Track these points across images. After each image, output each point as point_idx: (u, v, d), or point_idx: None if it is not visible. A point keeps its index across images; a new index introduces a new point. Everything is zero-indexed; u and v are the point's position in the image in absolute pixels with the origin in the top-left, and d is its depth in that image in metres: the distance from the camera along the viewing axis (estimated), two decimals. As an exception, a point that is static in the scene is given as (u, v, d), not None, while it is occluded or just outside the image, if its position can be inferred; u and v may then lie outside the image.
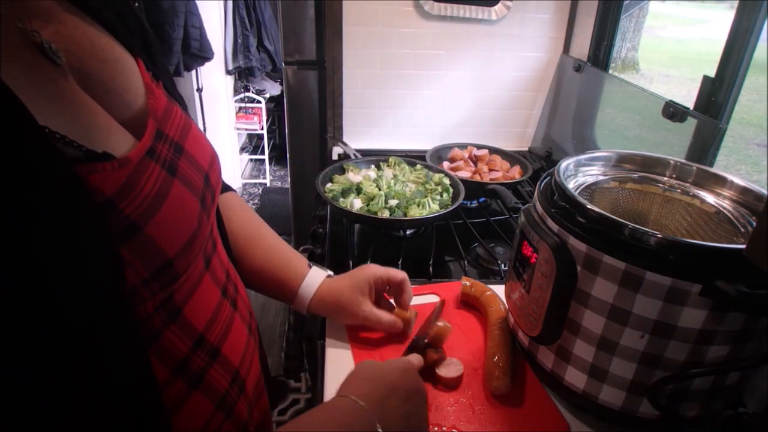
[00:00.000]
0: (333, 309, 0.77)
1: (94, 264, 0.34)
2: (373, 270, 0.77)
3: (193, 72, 2.82)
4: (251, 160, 4.15)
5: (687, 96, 1.09)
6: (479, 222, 1.23)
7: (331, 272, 0.78)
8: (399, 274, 0.79)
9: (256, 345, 0.61)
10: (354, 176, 1.22)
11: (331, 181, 1.23)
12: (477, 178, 1.39)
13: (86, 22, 0.44)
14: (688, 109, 1.01)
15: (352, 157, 1.43)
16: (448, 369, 0.72)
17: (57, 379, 0.32)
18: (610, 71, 1.45)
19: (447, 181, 1.23)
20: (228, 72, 3.41)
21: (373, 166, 1.31)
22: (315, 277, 0.76)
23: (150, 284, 0.40)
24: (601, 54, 1.45)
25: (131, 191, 0.38)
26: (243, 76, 3.59)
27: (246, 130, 3.76)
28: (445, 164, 1.45)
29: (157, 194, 0.41)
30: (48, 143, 0.33)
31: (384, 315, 0.77)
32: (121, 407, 0.37)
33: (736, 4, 0.93)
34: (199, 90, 2.95)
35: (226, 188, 0.75)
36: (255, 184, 3.93)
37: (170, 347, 0.44)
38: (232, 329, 0.53)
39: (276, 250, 0.76)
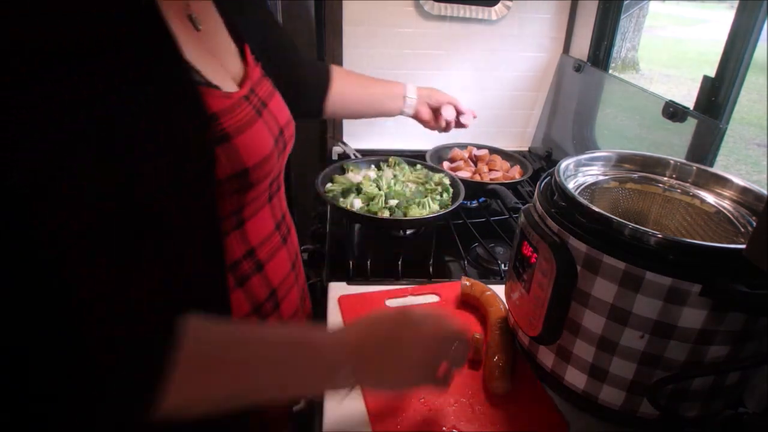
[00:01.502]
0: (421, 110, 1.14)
1: (196, 151, 0.48)
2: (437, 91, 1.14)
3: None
4: (251, 160, 4.14)
5: (687, 96, 1.09)
6: (479, 222, 1.23)
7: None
8: (447, 98, 1.15)
9: (296, 282, 0.75)
10: (354, 176, 1.22)
11: (331, 181, 1.23)
12: (477, 178, 1.39)
13: (214, 10, 0.65)
14: (688, 109, 1.01)
15: (352, 157, 1.43)
16: None
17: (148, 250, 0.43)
18: (610, 71, 1.45)
19: (447, 181, 1.23)
20: (228, 72, 3.40)
21: (373, 166, 1.31)
22: (410, 92, 1.11)
23: (231, 181, 0.55)
24: (601, 54, 1.45)
25: (228, 114, 0.55)
26: (243, 76, 3.58)
27: (246, 130, 3.75)
28: (445, 164, 1.45)
29: (245, 122, 0.58)
30: (185, 68, 0.50)
31: (432, 120, 1.16)
32: (198, 280, 0.50)
33: (736, 4, 0.93)
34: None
35: (329, 70, 1.04)
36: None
37: (230, 249, 0.59)
38: (277, 256, 0.68)
39: (382, 85, 1.11)
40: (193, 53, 0.54)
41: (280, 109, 0.70)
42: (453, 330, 0.57)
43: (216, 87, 0.55)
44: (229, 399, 0.47)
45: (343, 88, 1.06)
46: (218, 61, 0.61)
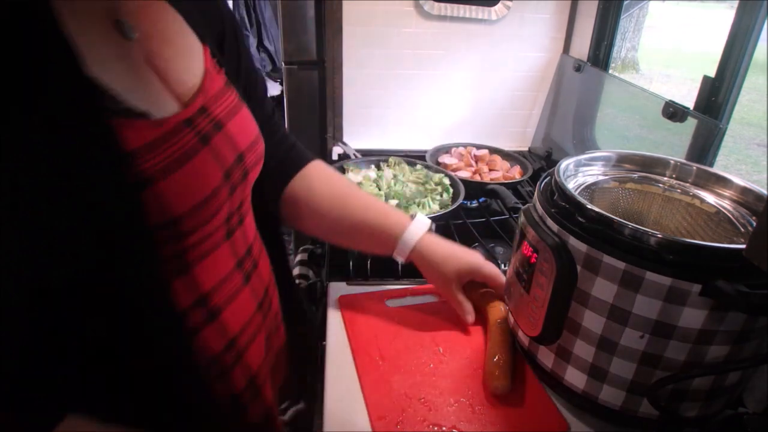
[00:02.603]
0: (428, 269, 0.81)
1: (110, 201, 0.41)
2: (478, 261, 0.80)
3: (193, 72, 2.82)
4: (251, 160, 4.14)
5: (687, 96, 1.09)
6: (479, 222, 1.23)
7: (431, 223, 0.82)
8: (498, 279, 0.81)
9: (264, 322, 0.64)
10: (354, 176, 1.22)
11: (331, 181, 1.23)
12: (477, 178, 1.39)
13: (164, 8, 0.53)
14: (688, 109, 1.01)
15: (352, 157, 1.43)
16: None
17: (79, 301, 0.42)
18: (610, 71, 1.45)
19: (447, 181, 1.24)
20: (228, 72, 3.41)
21: (373, 166, 1.31)
22: (418, 227, 0.79)
23: (161, 232, 0.46)
24: (601, 54, 1.45)
25: (157, 148, 0.45)
26: (243, 76, 3.59)
27: (246, 130, 3.75)
28: (445, 157, 1.46)
29: (181, 156, 0.47)
30: (87, 89, 0.41)
31: (465, 303, 0.81)
32: (145, 336, 0.47)
33: (736, 4, 0.93)
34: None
35: (308, 159, 0.81)
36: (255, 184, 3.91)
37: (174, 298, 0.49)
38: (237, 299, 0.57)
39: (373, 202, 0.82)
40: (114, 70, 0.45)
41: (243, 128, 0.58)
42: None
43: (141, 114, 0.45)
44: None
45: (316, 184, 0.79)
46: (156, 76, 0.50)
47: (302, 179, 0.78)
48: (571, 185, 0.68)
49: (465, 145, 1.55)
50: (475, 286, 0.86)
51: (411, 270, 1.01)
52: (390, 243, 0.79)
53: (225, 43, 0.63)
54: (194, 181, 0.48)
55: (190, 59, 0.54)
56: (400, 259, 0.80)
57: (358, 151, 1.48)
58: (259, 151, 0.61)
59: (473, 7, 1.51)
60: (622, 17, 1.40)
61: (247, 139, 0.58)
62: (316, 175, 0.80)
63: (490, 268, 0.80)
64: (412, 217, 0.82)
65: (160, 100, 0.48)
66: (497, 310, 0.80)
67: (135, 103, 0.45)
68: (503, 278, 0.79)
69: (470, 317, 0.80)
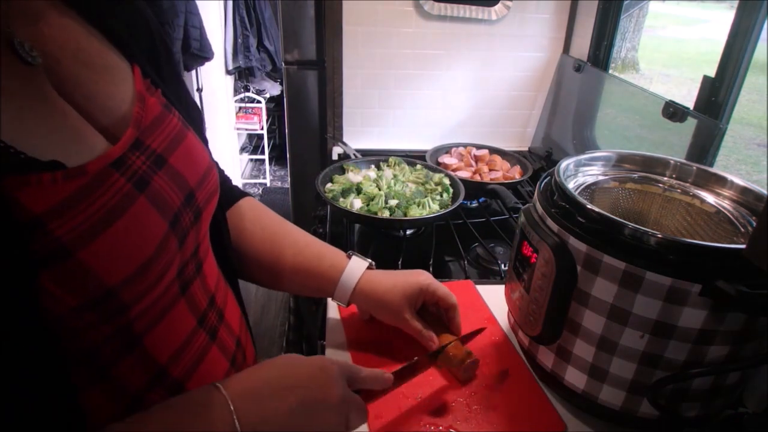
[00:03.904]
0: (375, 304, 0.73)
1: (7, 288, 0.31)
2: (426, 279, 0.73)
3: (193, 72, 2.82)
4: (251, 160, 4.15)
5: (687, 96, 1.09)
6: (479, 222, 1.23)
7: (371, 262, 0.75)
8: (450, 299, 0.74)
9: None
10: (354, 176, 1.22)
11: (331, 181, 1.23)
12: (477, 178, 1.39)
13: (78, 25, 0.44)
14: (688, 109, 1.01)
15: (352, 157, 1.43)
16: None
17: None
18: (610, 71, 1.45)
19: (447, 181, 1.23)
20: (228, 72, 3.41)
21: (373, 166, 1.31)
22: (356, 267, 0.72)
23: (83, 315, 0.36)
24: (601, 54, 1.45)
25: (73, 207, 0.35)
26: (243, 76, 3.59)
27: (246, 130, 3.76)
28: (444, 158, 1.46)
29: (110, 211, 0.37)
30: None
31: (423, 328, 0.72)
32: None
33: (736, 4, 0.93)
34: (199, 90, 2.95)
35: (242, 194, 0.73)
36: (255, 184, 3.93)
37: (123, 382, 0.41)
38: (203, 362, 0.48)
39: (305, 244, 0.73)
40: (6, 109, 0.35)
41: (191, 159, 0.48)
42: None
43: (50, 165, 0.35)
44: None
45: (247, 224, 0.70)
46: (72, 107, 0.40)
47: (232, 218, 0.68)
48: (571, 185, 0.68)
49: (465, 145, 1.55)
50: (427, 315, 0.76)
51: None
52: (327, 288, 0.72)
53: (160, 61, 0.53)
54: (129, 242, 0.38)
55: (115, 83, 0.44)
56: (342, 304, 0.74)
57: (358, 151, 1.48)
58: (212, 184, 0.52)
59: (473, 7, 1.51)
60: (622, 17, 1.40)
61: (198, 171, 0.49)
62: (247, 214, 0.71)
63: (438, 287, 0.73)
64: (349, 256, 0.74)
65: (78, 141, 0.39)
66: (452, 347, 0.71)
67: (39, 151, 0.35)
68: (453, 298, 0.74)
69: (433, 343, 0.72)
